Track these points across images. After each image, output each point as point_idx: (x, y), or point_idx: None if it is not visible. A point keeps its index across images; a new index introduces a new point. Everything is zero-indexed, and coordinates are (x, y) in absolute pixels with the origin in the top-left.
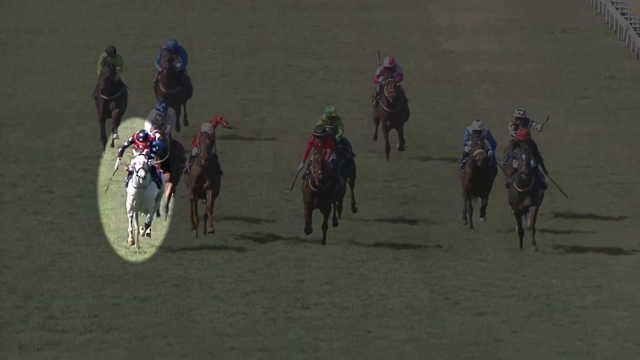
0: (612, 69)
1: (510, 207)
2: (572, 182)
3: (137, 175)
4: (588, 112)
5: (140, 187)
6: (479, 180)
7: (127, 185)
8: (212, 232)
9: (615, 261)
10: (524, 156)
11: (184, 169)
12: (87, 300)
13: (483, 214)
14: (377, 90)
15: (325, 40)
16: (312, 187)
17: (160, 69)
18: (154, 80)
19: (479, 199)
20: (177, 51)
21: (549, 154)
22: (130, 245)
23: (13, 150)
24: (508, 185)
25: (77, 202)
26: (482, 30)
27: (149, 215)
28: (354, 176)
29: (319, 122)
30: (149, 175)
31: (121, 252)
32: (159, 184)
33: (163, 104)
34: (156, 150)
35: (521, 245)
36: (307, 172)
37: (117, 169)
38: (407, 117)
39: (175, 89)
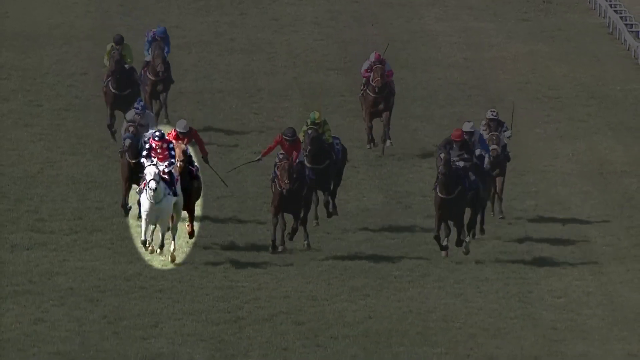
0: None
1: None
2: (512, 97)
3: (148, 188)
4: (527, 33)
5: (155, 202)
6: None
7: (139, 193)
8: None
9: (552, 169)
10: (442, 155)
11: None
12: (73, 204)
13: (481, 229)
14: (364, 82)
15: None
16: (279, 190)
17: (149, 60)
18: (141, 70)
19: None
20: (164, 39)
21: (492, 72)
22: (151, 253)
23: (5, 68)
24: (435, 188)
25: (63, 115)
26: None
27: (168, 233)
28: (338, 182)
29: (304, 127)
30: (162, 187)
31: (103, 161)
32: (176, 192)
33: (142, 103)
34: (174, 152)
35: (444, 249)
36: (274, 175)
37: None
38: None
39: (163, 76)
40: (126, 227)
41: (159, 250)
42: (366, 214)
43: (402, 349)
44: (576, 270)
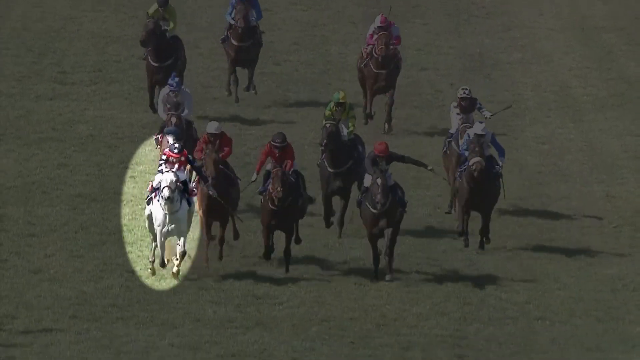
0: None
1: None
2: None
3: (161, 197)
4: None
5: (170, 212)
6: (479, 193)
7: (148, 203)
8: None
9: (537, 24)
10: (379, 181)
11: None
12: (93, 58)
13: (484, 237)
14: (368, 50)
15: None
16: (271, 206)
17: (233, 23)
18: (223, 36)
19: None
20: (250, 2)
21: None
22: (152, 274)
23: None
24: (360, 203)
25: None
26: None
27: (181, 240)
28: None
29: (327, 111)
30: (176, 196)
31: (121, 16)
32: (189, 201)
33: (177, 79)
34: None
35: (376, 276)
36: (265, 187)
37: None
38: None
39: (248, 42)
40: (142, 79)
41: (176, 262)
42: None
43: None
44: (559, 118)
